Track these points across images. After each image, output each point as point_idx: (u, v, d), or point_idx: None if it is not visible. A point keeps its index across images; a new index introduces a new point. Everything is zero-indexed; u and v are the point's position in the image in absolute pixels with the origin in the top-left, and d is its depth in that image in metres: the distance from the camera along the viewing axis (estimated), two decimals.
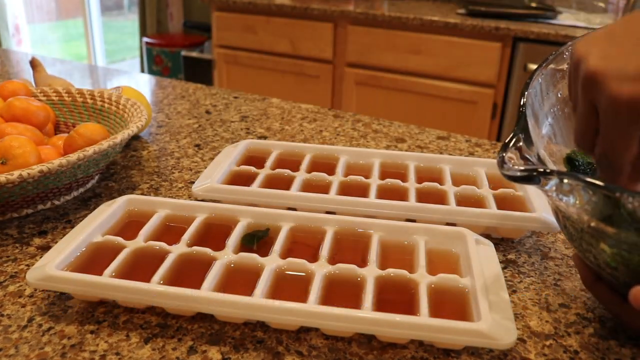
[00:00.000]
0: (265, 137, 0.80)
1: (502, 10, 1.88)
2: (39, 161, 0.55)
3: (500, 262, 0.50)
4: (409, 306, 0.40)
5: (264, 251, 0.46)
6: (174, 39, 3.18)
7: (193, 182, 0.64)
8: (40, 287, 0.43)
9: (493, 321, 0.37)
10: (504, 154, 0.39)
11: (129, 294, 0.40)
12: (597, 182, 0.33)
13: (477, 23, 1.78)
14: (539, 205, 0.53)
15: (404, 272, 0.43)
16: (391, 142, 0.80)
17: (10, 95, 0.68)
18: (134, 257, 0.45)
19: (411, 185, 0.59)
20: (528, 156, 0.39)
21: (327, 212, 0.54)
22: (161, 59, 3.11)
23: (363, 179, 0.60)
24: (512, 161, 0.39)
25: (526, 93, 0.44)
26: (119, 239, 0.47)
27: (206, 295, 0.39)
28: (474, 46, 1.83)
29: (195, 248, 0.46)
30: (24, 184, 0.51)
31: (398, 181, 0.59)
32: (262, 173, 0.61)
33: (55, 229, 0.54)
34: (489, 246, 0.47)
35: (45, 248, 0.51)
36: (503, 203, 0.55)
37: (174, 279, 0.43)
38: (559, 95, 0.47)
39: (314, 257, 0.45)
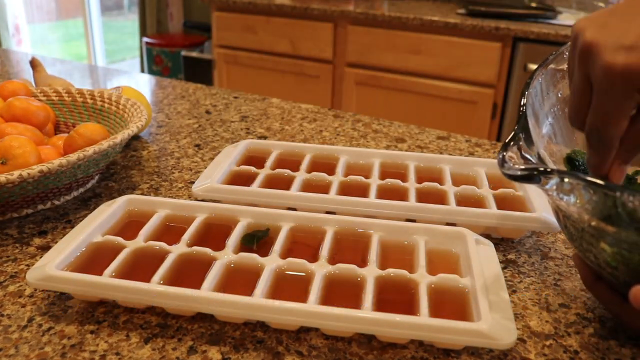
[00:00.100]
0: (265, 137, 0.80)
1: (502, 10, 1.88)
2: (39, 161, 0.55)
3: (500, 262, 0.50)
4: (409, 306, 0.40)
5: (264, 251, 0.46)
6: (174, 39, 3.18)
7: (193, 182, 0.64)
8: (40, 287, 0.43)
9: (493, 321, 0.37)
10: (505, 153, 0.39)
11: (129, 294, 0.40)
12: (598, 181, 0.33)
13: (477, 23, 1.78)
14: (539, 205, 0.53)
15: (404, 272, 0.43)
16: (391, 142, 0.80)
17: (10, 95, 0.68)
18: (134, 257, 0.45)
19: (411, 185, 0.59)
20: (528, 155, 0.39)
21: (327, 212, 0.54)
22: (161, 59, 3.11)
23: (363, 179, 0.60)
24: (513, 160, 0.39)
25: (527, 93, 0.44)
26: (119, 239, 0.47)
27: (206, 295, 0.39)
28: (474, 46, 1.83)
29: (195, 248, 0.46)
30: (24, 184, 0.51)
31: (398, 181, 0.59)
32: (262, 173, 0.61)
33: (55, 229, 0.54)
34: (489, 246, 0.47)
35: (45, 248, 0.51)
36: (503, 203, 0.55)
37: (174, 279, 0.43)
38: (559, 95, 0.47)
39: (314, 257, 0.45)
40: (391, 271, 0.43)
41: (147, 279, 0.41)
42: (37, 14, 4.12)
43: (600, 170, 0.41)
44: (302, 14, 2.09)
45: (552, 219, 0.51)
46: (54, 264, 0.42)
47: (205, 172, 0.60)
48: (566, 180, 0.35)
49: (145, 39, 3.18)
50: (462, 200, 0.56)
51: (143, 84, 1.13)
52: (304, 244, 0.48)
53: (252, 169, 0.62)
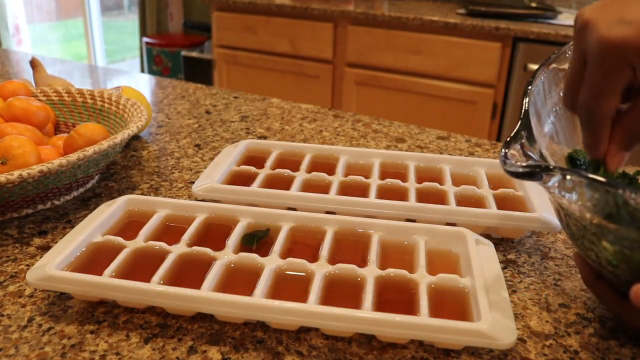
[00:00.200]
0: (265, 137, 0.80)
1: (502, 10, 1.88)
2: (39, 161, 0.55)
3: (500, 262, 0.50)
4: (409, 306, 0.40)
5: (264, 251, 0.46)
6: (174, 39, 3.18)
7: (193, 182, 0.64)
8: (40, 287, 0.43)
9: (493, 321, 0.37)
10: (507, 150, 0.39)
11: (129, 294, 0.40)
12: (600, 178, 0.33)
13: (477, 23, 1.78)
14: (539, 205, 0.53)
15: (404, 272, 0.43)
16: (391, 142, 0.80)
17: (10, 95, 0.68)
18: (134, 257, 0.45)
19: (411, 185, 0.59)
20: (530, 153, 0.39)
21: (327, 212, 0.53)
22: (161, 59, 3.11)
23: (363, 179, 0.60)
24: (515, 158, 0.39)
25: (529, 91, 0.44)
26: (119, 239, 0.46)
27: (206, 295, 0.39)
28: (474, 46, 1.83)
29: (195, 248, 0.46)
30: (24, 184, 0.51)
31: (398, 181, 0.59)
32: (262, 173, 0.61)
33: (55, 229, 0.54)
34: (489, 246, 0.47)
35: (45, 248, 0.51)
36: (503, 203, 0.55)
37: (174, 279, 0.43)
38: (561, 95, 0.47)
39: (314, 257, 0.45)
40: (391, 271, 0.43)
41: (147, 279, 0.41)
42: (37, 14, 4.13)
43: (594, 152, 0.41)
44: (302, 14, 2.09)
45: (552, 219, 0.51)
46: (54, 264, 0.42)
47: (205, 172, 0.60)
48: (568, 177, 0.35)
49: (145, 39, 3.18)
50: (462, 200, 0.56)
51: (143, 84, 1.13)
52: (304, 244, 0.48)
53: (252, 169, 0.62)
